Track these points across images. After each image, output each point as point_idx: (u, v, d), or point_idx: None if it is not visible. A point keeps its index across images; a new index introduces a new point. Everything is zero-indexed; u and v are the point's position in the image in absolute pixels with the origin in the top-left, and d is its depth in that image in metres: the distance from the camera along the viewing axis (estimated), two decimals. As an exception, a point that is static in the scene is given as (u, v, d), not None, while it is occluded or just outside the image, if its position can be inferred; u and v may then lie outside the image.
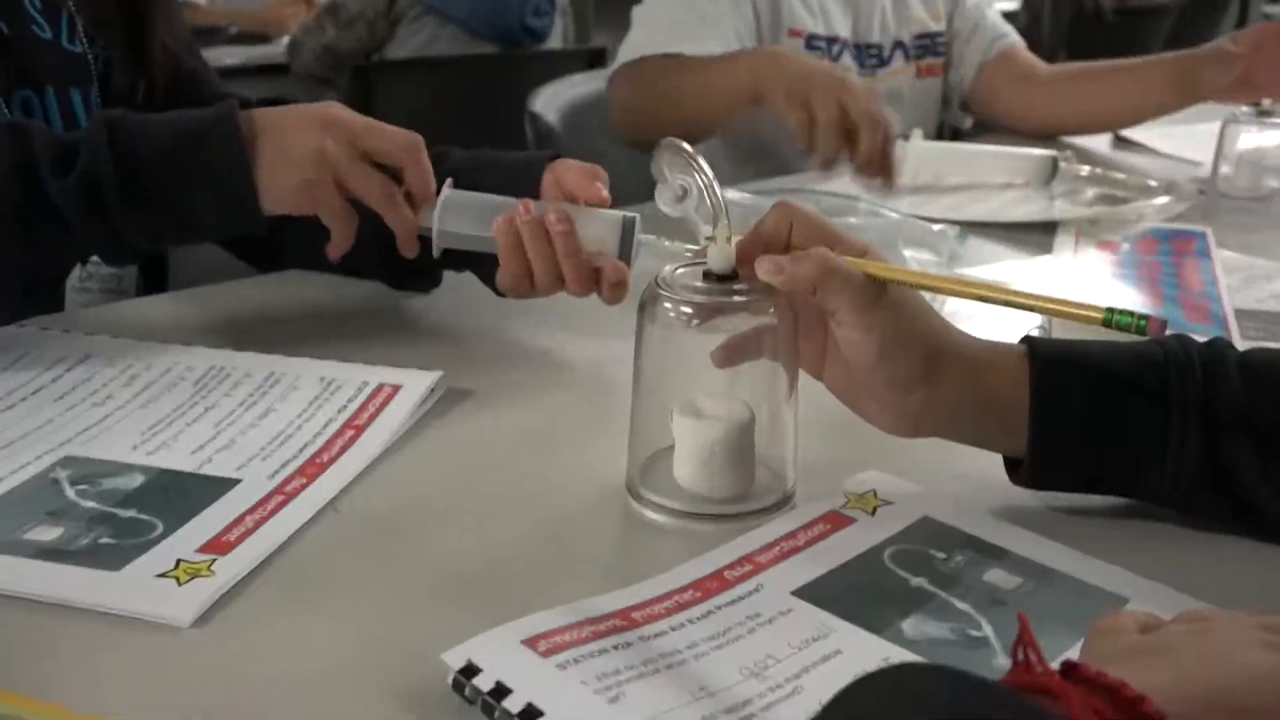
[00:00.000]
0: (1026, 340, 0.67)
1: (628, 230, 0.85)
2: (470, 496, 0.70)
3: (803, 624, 0.57)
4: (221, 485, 0.69)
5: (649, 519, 0.67)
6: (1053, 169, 1.40)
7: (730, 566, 0.62)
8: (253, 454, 0.73)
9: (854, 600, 0.59)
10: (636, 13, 1.53)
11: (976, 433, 0.67)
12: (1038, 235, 1.23)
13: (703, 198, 0.67)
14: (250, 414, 0.78)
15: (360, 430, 0.76)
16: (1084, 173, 1.42)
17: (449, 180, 0.88)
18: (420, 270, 0.96)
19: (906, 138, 1.44)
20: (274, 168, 0.82)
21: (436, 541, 0.65)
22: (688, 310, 0.66)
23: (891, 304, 0.64)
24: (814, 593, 0.60)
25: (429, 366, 0.84)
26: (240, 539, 0.64)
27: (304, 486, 0.70)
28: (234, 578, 0.61)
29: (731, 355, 0.67)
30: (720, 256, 0.66)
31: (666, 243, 0.86)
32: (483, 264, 0.89)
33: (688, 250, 0.86)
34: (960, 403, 0.66)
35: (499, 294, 0.90)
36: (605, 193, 0.85)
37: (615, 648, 0.54)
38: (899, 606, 0.59)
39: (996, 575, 0.61)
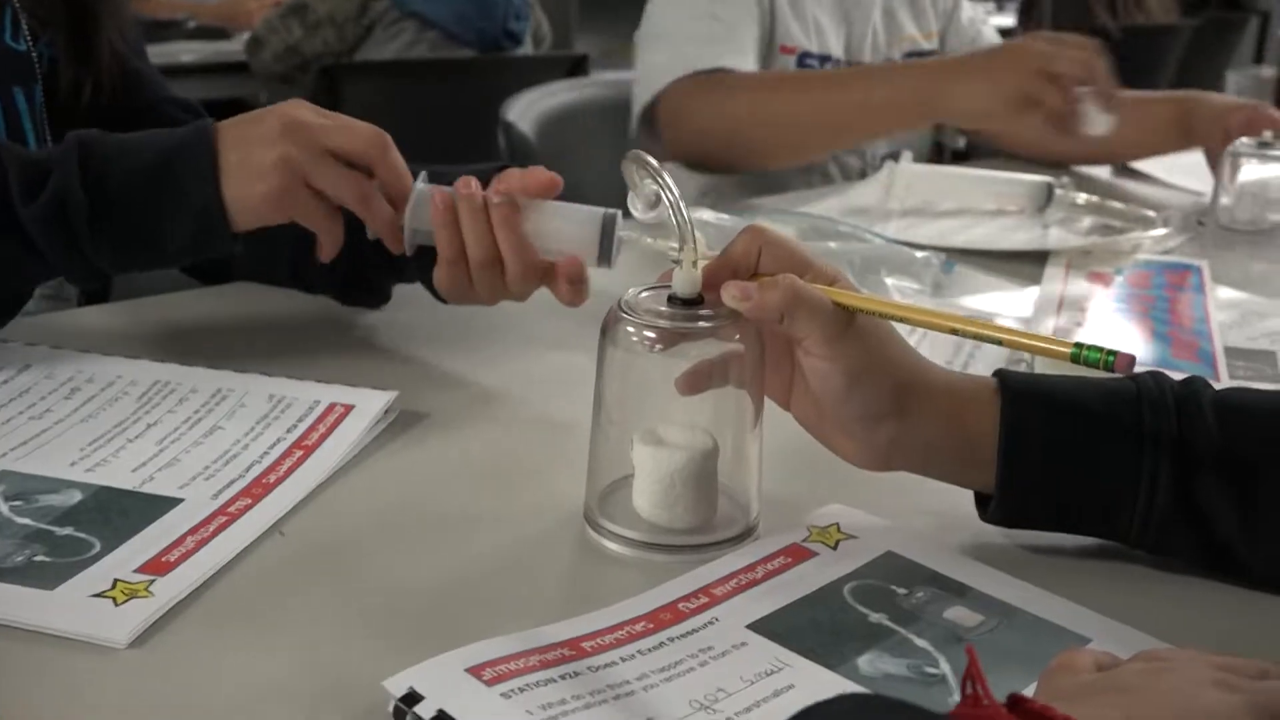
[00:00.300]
0: (998, 374, 0.71)
1: (608, 227, 0.87)
2: (421, 522, 0.73)
3: (756, 658, 0.60)
4: (162, 504, 0.72)
5: (607, 549, 0.70)
6: (1048, 196, 1.44)
7: (686, 598, 0.65)
8: (196, 473, 0.76)
9: (811, 635, 0.62)
10: (645, 33, 1.52)
11: (947, 467, 0.70)
12: (1029, 265, 1.26)
13: (679, 226, 0.69)
14: (195, 431, 0.81)
15: (309, 451, 0.79)
16: (1080, 200, 1.46)
17: (421, 174, 0.91)
18: (370, 286, 0.99)
19: (896, 159, 1.48)
20: (240, 183, 0.85)
21: (383, 567, 0.68)
22: (651, 335, 0.68)
23: (860, 333, 0.67)
24: (770, 626, 0.63)
25: (384, 385, 0.86)
26: (180, 560, 0.67)
27: (248, 508, 0.72)
28: (173, 599, 0.63)
29: (696, 382, 0.70)
30: (686, 280, 0.69)
31: (649, 240, 0.89)
32: (430, 272, 0.91)
33: (671, 248, 0.89)
34: (930, 436, 0.69)
35: (440, 299, 0.92)
36: (553, 175, 0.87)
37: (562, 677, 0.57)
38: (857, 642, 0.62)
39: (958, 612, 0.64)
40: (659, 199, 0.74)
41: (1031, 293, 1.18)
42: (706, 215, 1.17)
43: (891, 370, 0.68)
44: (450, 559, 0.69)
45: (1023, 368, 0.92)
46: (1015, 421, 0.68)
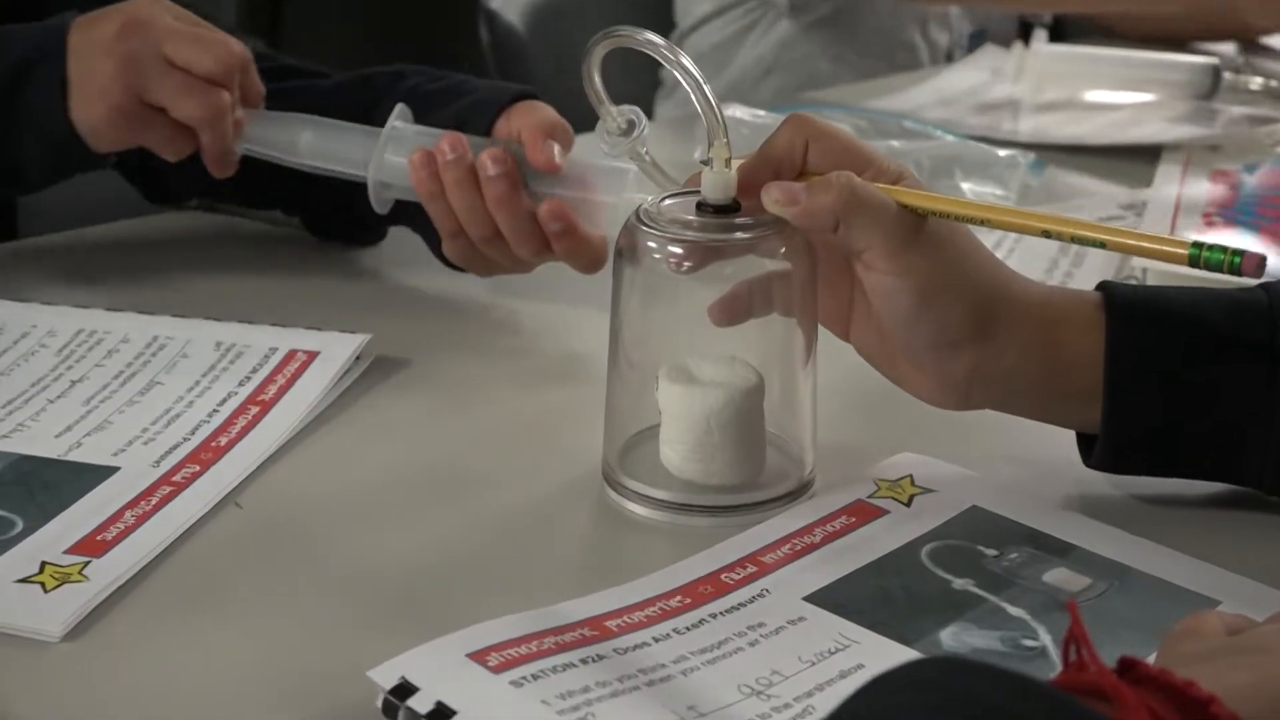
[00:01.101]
0: (1103, 287, 0.71)
1: (602, 180, 0.88)
2: (405, 485, 0.74)
3: (817, 635, 0.61)
4: (95, 474, 0.73)
5: (630, 512, 0.71)
6: (1214, 81, 1.43)
7: (729, 568, 0.66)
8: (132, 437, 0.77)
9: (882, 607, 0.63)
10: None
11: (1041, 403, 0.71)
12: (1139, 164, 1.27)
13: (707, 120, 0.68)
14: (128, 388, 0.82)
15: (267, 407, 0.80)
16: (1255, 86, 1.45)
17: (399, 108, 0.92)
18: (364, 220, 0.99)
19: (982, 39, 1.48)
20: (82, 102, 0.87)
21: (362, 540, 0.69)
22: (677, 251, 0.69)
23: (933, 241, 0.68)
24: (832, 598, 0.64)
25: (355, 327, 0.87)
26: (119, 538, 0.68)
27: (196, 475, 0.73)
28: (112, 584, 0.64)
29: (733, 310, 0.71)
30: (718, 183, 0.69)
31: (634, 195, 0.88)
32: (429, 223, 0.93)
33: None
34: (1021, 365, 0.69)
35: (447, 263, 0.93)
36: (557, 158, 0.87)
37: (584, 661, 0.58)
38: (938, 614, 0.63)
39: (1059, 575, 0.65)
40: (632, 127, 0.74)
41: (1140, 198, 1.18)
42: (738, 111, 1.18)
43: (971, 285, 0.68)
44: (439, 528, 0.70)
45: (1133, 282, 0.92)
46: (1124, 343, 0.68)
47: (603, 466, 0.74)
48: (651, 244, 0.69)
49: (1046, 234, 0.67)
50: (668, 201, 0.71)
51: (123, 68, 0.87)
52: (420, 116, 0.92)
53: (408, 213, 0.95)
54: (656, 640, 0.60)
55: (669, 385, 0.71)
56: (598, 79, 0.72)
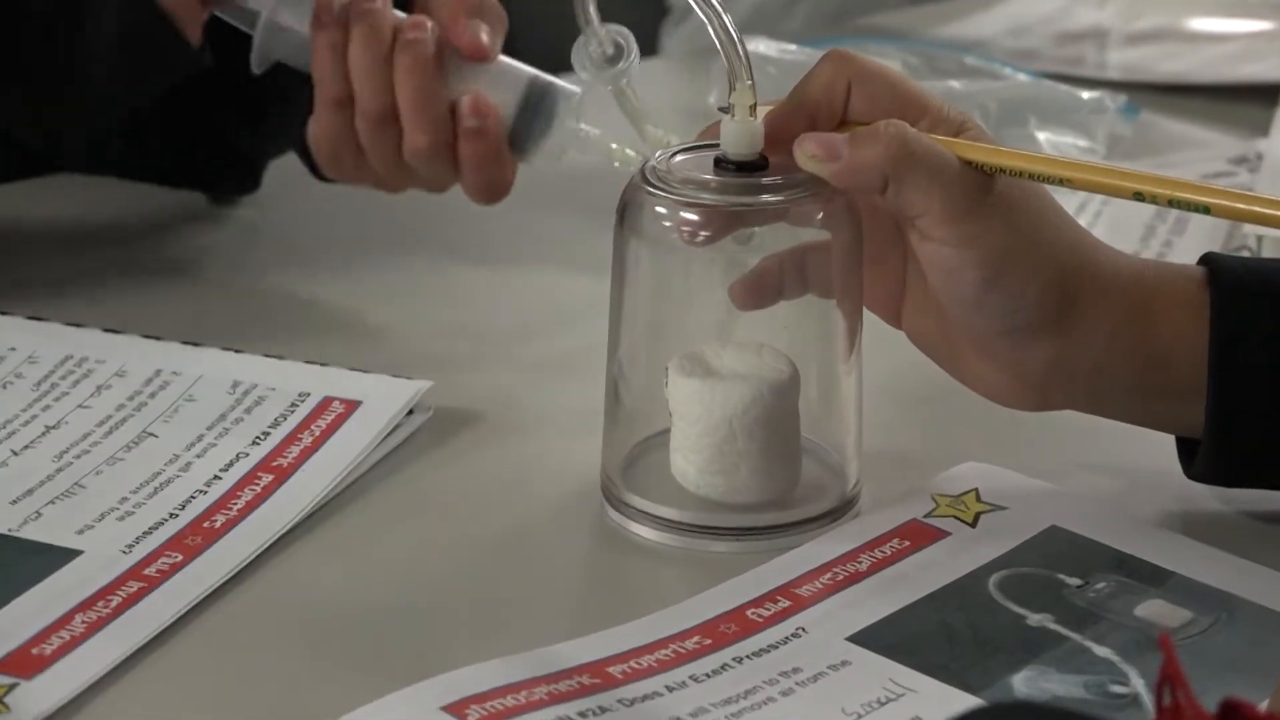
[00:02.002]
0: (1208, 260, 0.73)
1: (537, 95, 0.88)
2: (371, 504, 0.76)
3: (864, 681, 0.63)
4: (49, 558, 0.70)
5: (635, 536, 0.73)
6: None
7: (757, 603, 0.67)
8: (107, 508, 0.74)
9: (943, 647, 0.65)
10: None
11: (1135, 401, 0.73)
12: (1254, 108, 1.27)
13: (728, 57, 0.69)
14: (113, 440, 0.79)
15: (284, 475, 0.76)
16: None
17: None
18: (216, 155, 1.01)
19: None
20: None
21: (322, 568, 0.71)
22: (692, 218, 0.70)
23: (1003, 205, 0.69)
24: (882, 638, 0.65)
25: (413, 369, 0.84)
26: (60, 652, 0.65)
27: (176, 567, 0.70)
28: (37, 718, 0.61)
29: (761, 290, 0.72)
30: (741, 134, 0.70)
31: (614, 146, 0.88)
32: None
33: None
34: (1111, 356, 0.71)
35: (316, 174, 0.95)
36: (484, 39, 0.87)
37: (582, 715, 0.60)
38: (1009, 655, 0.64)
39: (1154, 608, 0.67)
40: (620, 51, 0.75)
41: (1254, 149, 1.19)
42: (762, 46, 1.18)
43: (1049, 258, 0.69)
44: (411, 555, 0.72)
45: (1245, 255, 0.94)
46: (1232, 328, 0.70)
47: (602, 481, 0.75)
48: (660, 210, 0.70)
49: (1139, 196, 0.68)
50: (679, 157, 0.72)
51: None
52: None
53: (293, 135, 0.95)
54: (670, 689, 0.62)
55: (682, 380, 0.72)
56: None
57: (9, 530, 0.72)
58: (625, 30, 0.76)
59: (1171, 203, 0.68)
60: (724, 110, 0.71)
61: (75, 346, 0.86)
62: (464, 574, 0.71)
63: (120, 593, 0.68)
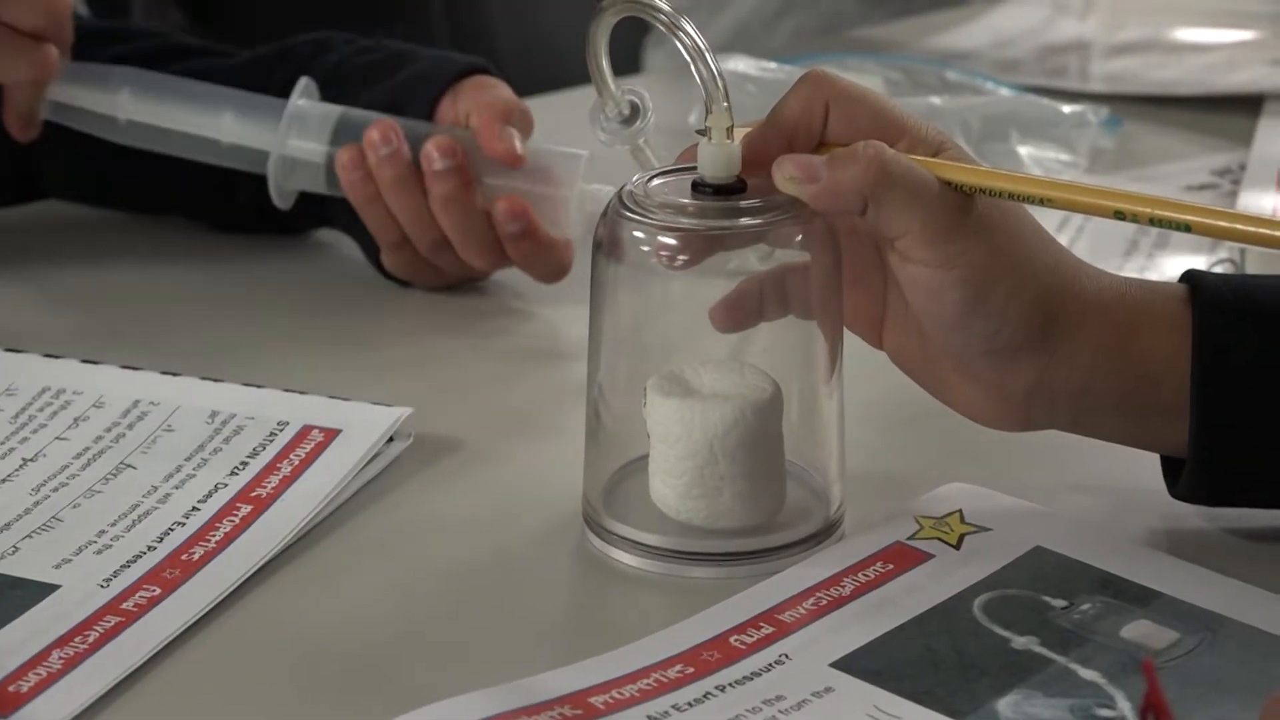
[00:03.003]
0: (1189, 277, 0.72)
1: (544, 166, 0.91)
2: (351, 533, 0.76)
3: (848, 708, 0.62)
4: (26, 593, 0.70)
5: (617, 562, 0.73)
6: None
7: (740, 629, 0.67)
8: (84, 542, 0.73)
9: (927, 673, 0.64)
10: None
11: (1119, 422, 0.72)
12: (1238, 117, 1.27)
13: (702, 80, 0.69)
14: (91, 473, 0.79)
15: (263, 505, 0.76)
16: None
17: (302, 81, 0.94)
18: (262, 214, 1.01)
19: None
20: None
21: (301, 600, 0.71)
22: (670, 242, 0.70)
23: (983, 225, 0.69)
24: (866, 663, 0.65)
25: (394, 394, 0.84)
26: (36, 689, 0.64)
27: (154, 601, 0.70)
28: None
29: (741, 313, 0.72)
30: (718, 157, 0.70)
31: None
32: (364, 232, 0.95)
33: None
34: (1094, 377, 0.70)
35: (387, 276, 0.96)
36: (518, 148, 0.90)
37: (565, 746, 0.59)
38: (995, 679, 0.64)
39: (1140, 629, 0.67)
40: (636, 112, 0.76)
41: (1237, 161, 1.19)
42: (741, 65, 1.18)
43: (1031, 277, 0.69)
44: (387, 583, 0.72)
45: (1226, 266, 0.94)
46: (1214, 346, 0.70)
47: (583, 507, 0.75)
48: (638, 234, 0.70)
49: (1120, 215, 0.68)
50: (656, 181, 0.72)
51: None
52: (348, 96, 0.94)
53: (334, 212, 0.97)
54: (652, 719, 0.61)
55: (660, 400, 0.71)
56: (604, 55, 0.73)
57: None
58: (640, 91, 0.77)
59: (1152, 221, 0.68)
60: (701, 133, 0.71)
61: (52, 378, 0.86)
62: (445, 603, 0.71)
63: (98, 628, 0.68)
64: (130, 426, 0.82)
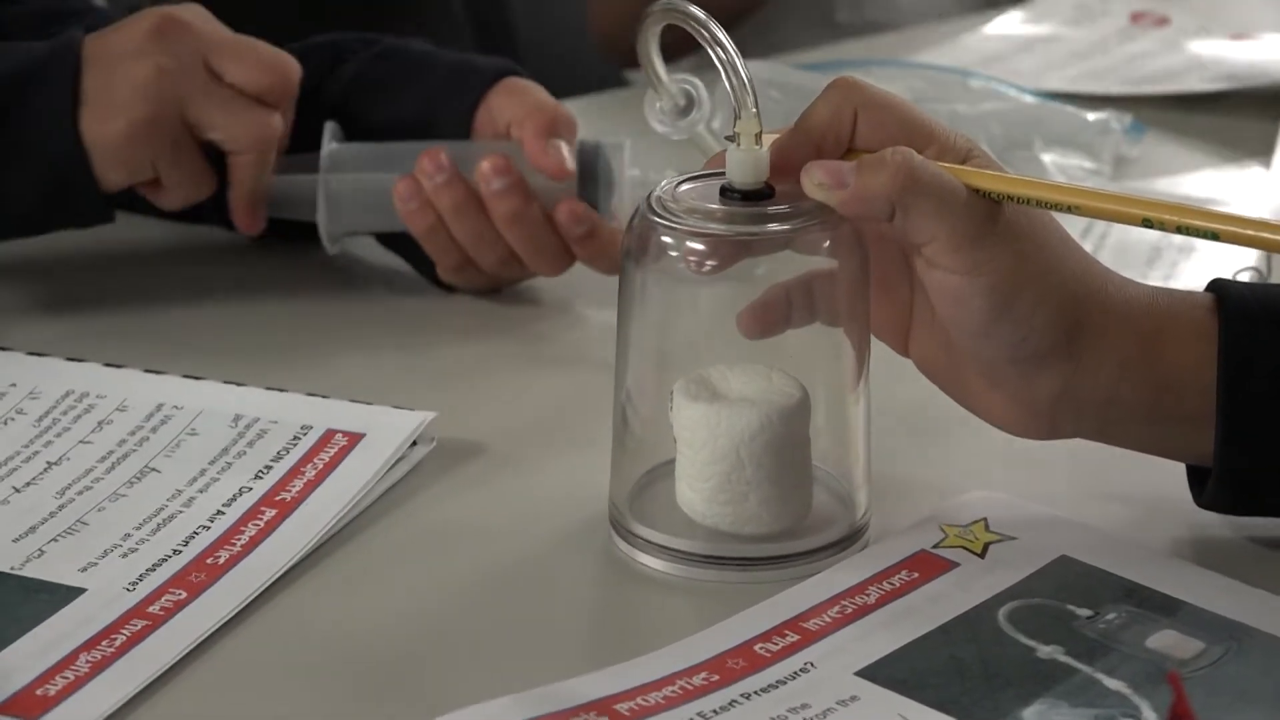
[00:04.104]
0: (1215, 286, 0.72)
1: (588, 160, 0.92)
2: (376, 537, 0.76)
3: (874, 718, 0.62)
4: (52, 597, 0.70)
5: (642, 566, 0.73)
6: None
7: (765, 637, 0.67)
8: (110, 545, 0.73)
9: (952, 682, 0.64)
10: None
11: (1146, 430, 0.72)
12: (1265, 124, 1.26)
13: (732, 87, 0.69)
14: (115, 476, 0.78)
15: (287, 509, 0.76)
16: None
17: (329, 127, 0.93)
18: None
19: None
20: (99, 117, 0.88)
21: (327, 604, 0.71)
22: (698, 248, 0.70)
23: (1010, 232, 0.69)
24: (891, 672, 0.65)
25: (419, 399, 0.83)
26: (64, 693, 0.64)
27: (181, 605, 0.69)
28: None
29: (768, 319, 0.72)
30: (746, 164, 0.70)
31: None
32: (410, 244, 0.95)
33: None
34: (1120, 386, 0.70)
35: (445, 288, 0.96)
36: (567, 162, 0.91)
37: (591, 753, 0.60)
38: (1020, 689, 0.64)
39: (1166, 639, 0.67)
40: (690, 102, 0.75)
41: (1262, 164, 1.19)
42: (766, 70, 1.17)
43: (1058, 285, 0.69)
44: (413, 588, 0.72)
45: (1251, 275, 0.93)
46: (1242, 356, 0.69)
47: (609, 510, 0.75)
48: (667, 240, 0.70)
49: (1148, 223, 0.68)
50: (685, 187, 0.72)
51: (159, 74, 0.87)
52: (370, 109, 0.94)
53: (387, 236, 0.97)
54: (678, 727, 0.62)
55: (687, 404, 0.71)
56: (655, 52, 0.73)
57: (12, 568, 0.72)
58: (694, 80, 0.76)
59: (1180, 229, 0.67)
60: (730, 139, 0.71)
61: (76, 382, 0.86)
62: (471, 608, 0.71)
63: (124, 631, 0.68)
64: (154, 430, 0.82)
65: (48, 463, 0.80)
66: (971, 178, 0.68)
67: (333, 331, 0.96)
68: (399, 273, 0.99)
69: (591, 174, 0.93)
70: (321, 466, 0.79)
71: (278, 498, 0.77)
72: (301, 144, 0.94)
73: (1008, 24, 1.50)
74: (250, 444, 0.81)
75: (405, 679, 0.66)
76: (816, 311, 0.72)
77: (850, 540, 0.73)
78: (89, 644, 0.67)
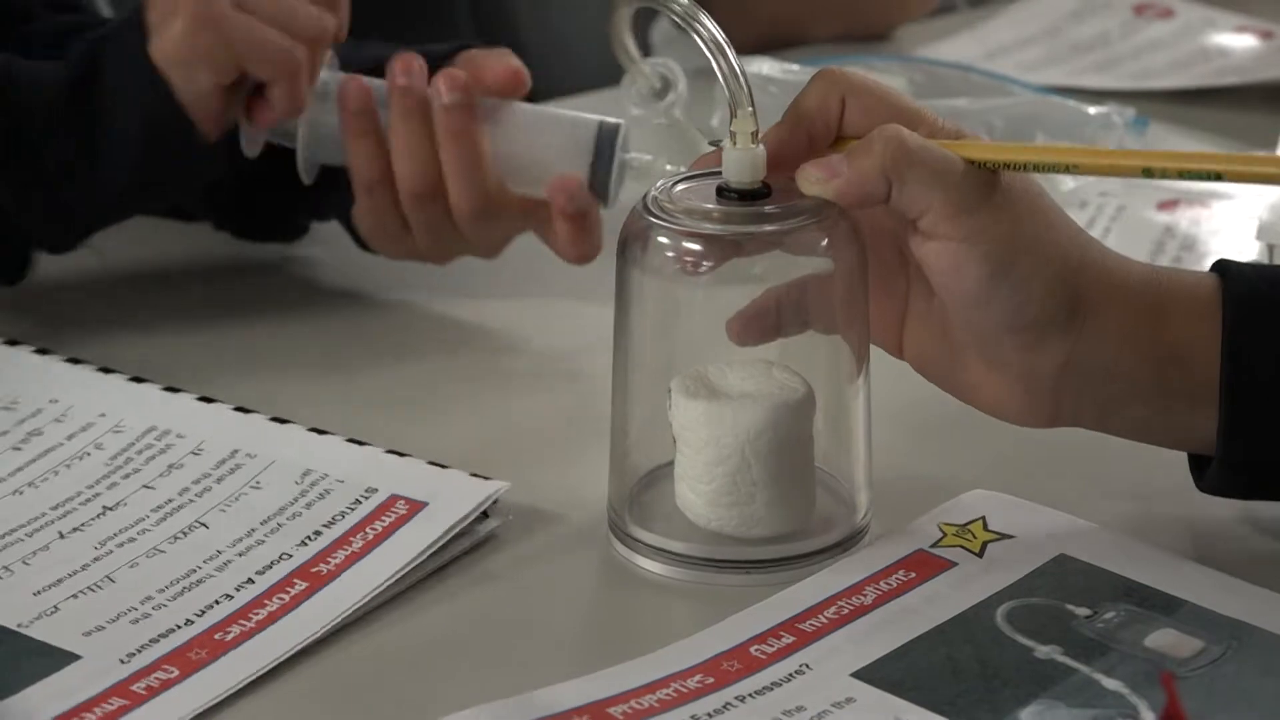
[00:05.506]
0: (1220, 266, 0.71)
1: (605, 141, 0.89)
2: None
3: (870, 719, 0.62)
4: (45, 661, 0.67)
5: (640, 569, 0.72)
6: None
7: (760, 639, 0.66)
8: (126, 607, 0.70)
9: (949, 683, 0.64)
10: None
11: (1148, 409, 0.71)
12: (1269, 117, 1.26)
13: (728, 86, 0.69)
14: (164, 528, 0.75)
15: (319, 583, 0.71)
16: None
17: (327, 56, 0.92)
18: (266, 215, 1.01)
19: None
20: (161, 31, 0.87)
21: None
22: (695, 248, 0.70)
23: (1008, 201, 0.68)
24: (887, 673, 0.64)
25: (498, 465, 0.78)
26: None
27: (167, 684, 0.66)
28: None
29: (759, 327, 0.72)
30: (743, 163, 0.70)
31: (669, 168, 0.90)
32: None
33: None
34: (1123, 358, 0.69)
35: (362, 245, 0.95)
36: (516, 63, 0.89)
37: (584, 758, 0.59)
38: (1017, 689, 0.63)
39: (1165, 638, 0.66)
40: (666, 85, 0.75)
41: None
42: (765, 67, 1.17)
43: (1056, 252, 0.69)
44: (404, 595, 0.71)
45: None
46: (1245, 337, 0.69)
47: (608, 513, 0.75)
48: (664, 240, 0.70)
49: (1148, 173, 0.68)
50: (681, 186, 0.72)
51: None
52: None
53: (327, 204, 0.97)
54: (673, 730, 0.61)
55: (686, 402, 0.70)
56: (628, 34, 0.73)
57: (19, 625, 0.69)
58: (670, 63, 0.76)
59: (1182, 174, 0.68)
60: (715, 144, 0.71)
61: (161, 417, 0.83)
62: (450, 612, 0.70)
63: (97, 710, 0.64)
64: (220, 480, 0.79)
65: (104, 508, 0.77)
66: (965, 149, 0.69)
67: (326, 347, 0.95)
68: (375, 289, 0.99)
69: (606, 155, 0.88)
70: (370, 538, 0.74)
71: (314, 570, 0.72)
72: None
73: (1010, 18, 1.49)
74: (309, 505, 0.77)
75: (401, 683, 0.66)
76: (809, 319, 0.72)
77: (851, 542, 0.73)
78: (70, 715, 0.64)
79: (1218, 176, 0.67)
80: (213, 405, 0.84)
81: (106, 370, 0.88)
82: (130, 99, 0.88)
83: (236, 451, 0.80)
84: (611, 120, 0.89)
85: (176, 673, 0.66)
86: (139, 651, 0.67)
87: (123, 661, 0.67)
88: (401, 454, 0.79)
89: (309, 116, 0.91)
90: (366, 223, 0.92)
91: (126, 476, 0.79)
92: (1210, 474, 0.71)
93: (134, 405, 0.84)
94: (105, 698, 0.65)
